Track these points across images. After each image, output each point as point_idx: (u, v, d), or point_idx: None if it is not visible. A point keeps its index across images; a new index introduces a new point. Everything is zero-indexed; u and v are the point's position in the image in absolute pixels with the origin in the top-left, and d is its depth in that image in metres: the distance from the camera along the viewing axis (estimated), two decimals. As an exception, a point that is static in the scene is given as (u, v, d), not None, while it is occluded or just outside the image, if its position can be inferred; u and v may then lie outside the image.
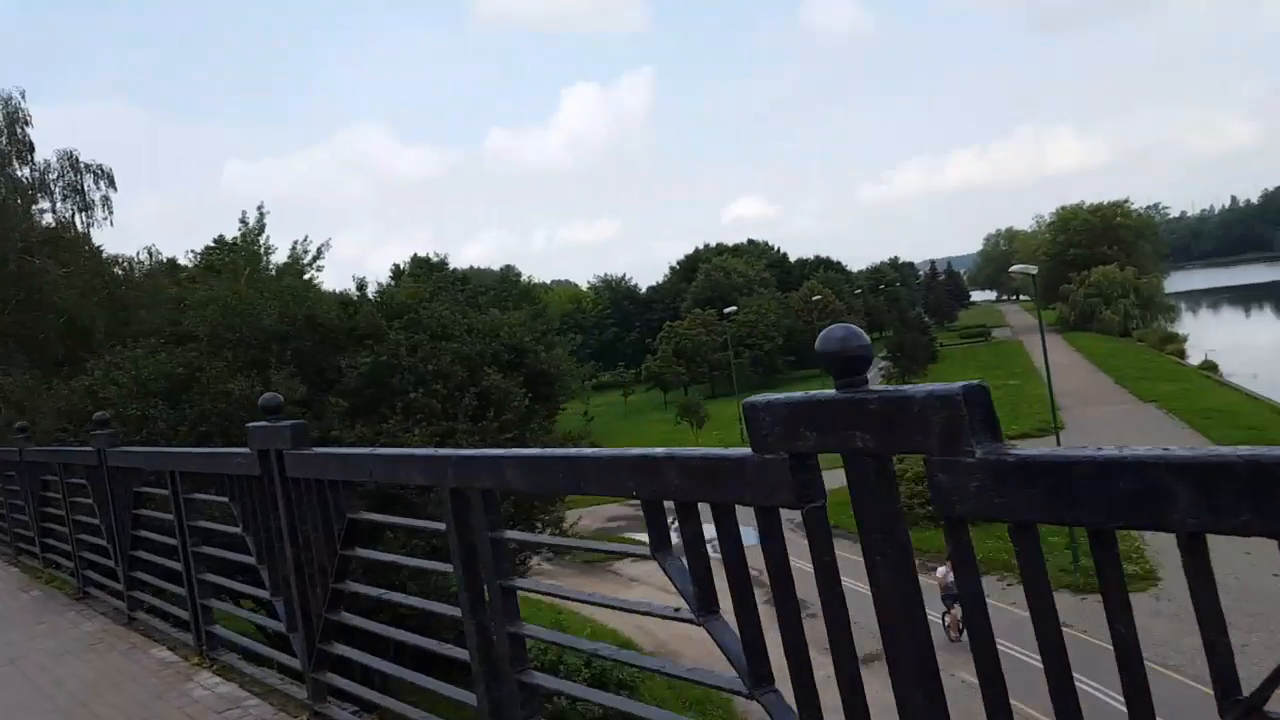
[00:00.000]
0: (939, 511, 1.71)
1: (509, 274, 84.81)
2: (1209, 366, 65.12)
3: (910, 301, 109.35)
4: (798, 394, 2.02)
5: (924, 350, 74.29)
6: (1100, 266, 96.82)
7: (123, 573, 6.41)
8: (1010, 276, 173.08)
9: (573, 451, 2.72)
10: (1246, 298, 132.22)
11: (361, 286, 43.35)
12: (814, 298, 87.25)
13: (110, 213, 34.27)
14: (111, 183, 33.66)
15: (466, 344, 20.48)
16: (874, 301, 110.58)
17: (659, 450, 2.41)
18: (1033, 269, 26.53)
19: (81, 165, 33.10)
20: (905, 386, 1.78)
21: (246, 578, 5.44)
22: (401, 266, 67.57)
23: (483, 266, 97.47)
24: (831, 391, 1.93)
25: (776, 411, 2.03)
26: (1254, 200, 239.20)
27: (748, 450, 2.13)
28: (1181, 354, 75.78)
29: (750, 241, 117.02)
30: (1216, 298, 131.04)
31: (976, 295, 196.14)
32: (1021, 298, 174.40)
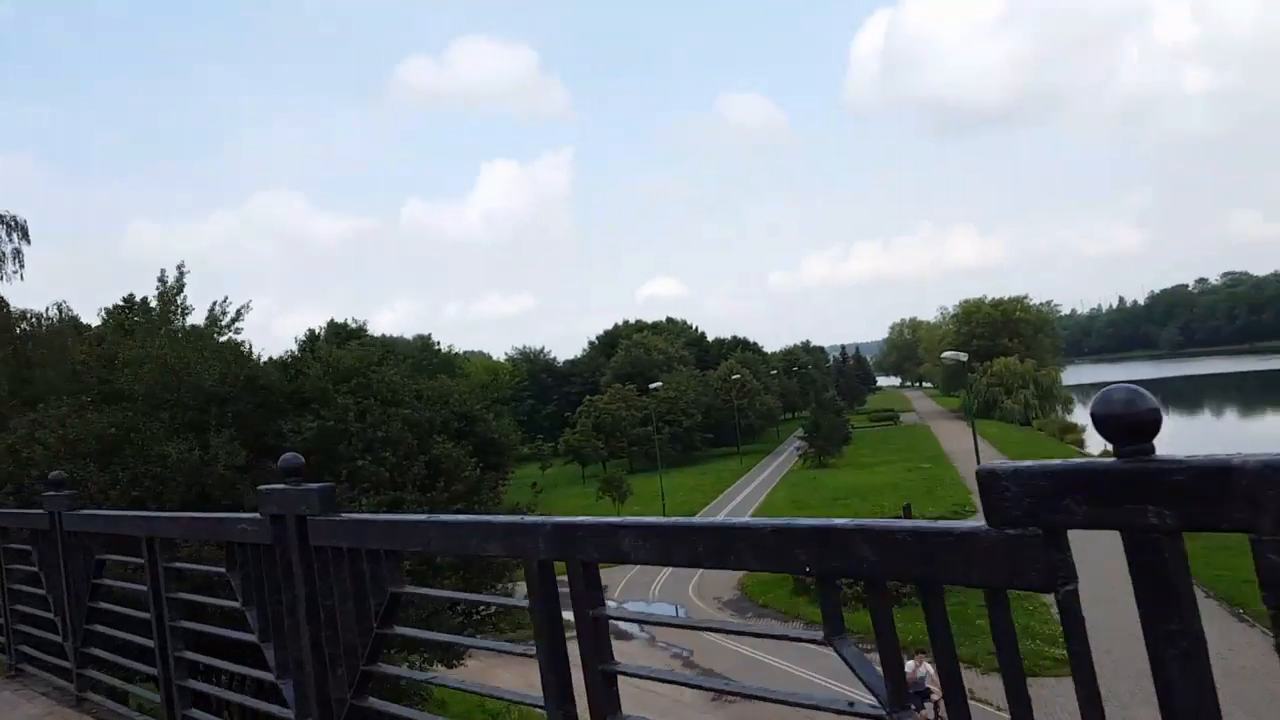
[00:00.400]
0: (1272, 599, 1.54)
1: (428, 343, 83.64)
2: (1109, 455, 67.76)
3: (824, 385, 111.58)
4: (1056, 461, 1.83)
5: (840, 432, 75.54)
6: (1002, 358, 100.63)
7: (73, 649, 5.78)
8: (914, 363, 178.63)
9: (724, 521, 2.49)
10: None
11: (309, 347, 42.19)
12: (733, 376, 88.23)
13: (21, 266, 32.69)
14: (25, 235, 32.16)
15: (416, 410, 19.92)
16: (788, 383, 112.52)
17: (844, 521, 2.19)
18: (963, 355, 27.20)
19: (-10, 217, 31.65)
20: (1225, 455, 1.62)
21: (235, 656, 4.93)
22: (317, 331, 66.04)
23: (395, 335, 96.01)
24: (1111, 460, 1.76)
25: (1029, 480, 1.83)
26: (1140, 301, 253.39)
27: (976, 523, 1.94)
28: (1081, 443, 78.70)
29: (669, 319, 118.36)
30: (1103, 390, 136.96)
31: (882, 380, 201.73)
32: (924, 385, 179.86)
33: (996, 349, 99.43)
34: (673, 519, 2.69)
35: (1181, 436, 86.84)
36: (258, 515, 4.15)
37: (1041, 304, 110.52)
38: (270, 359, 23.59)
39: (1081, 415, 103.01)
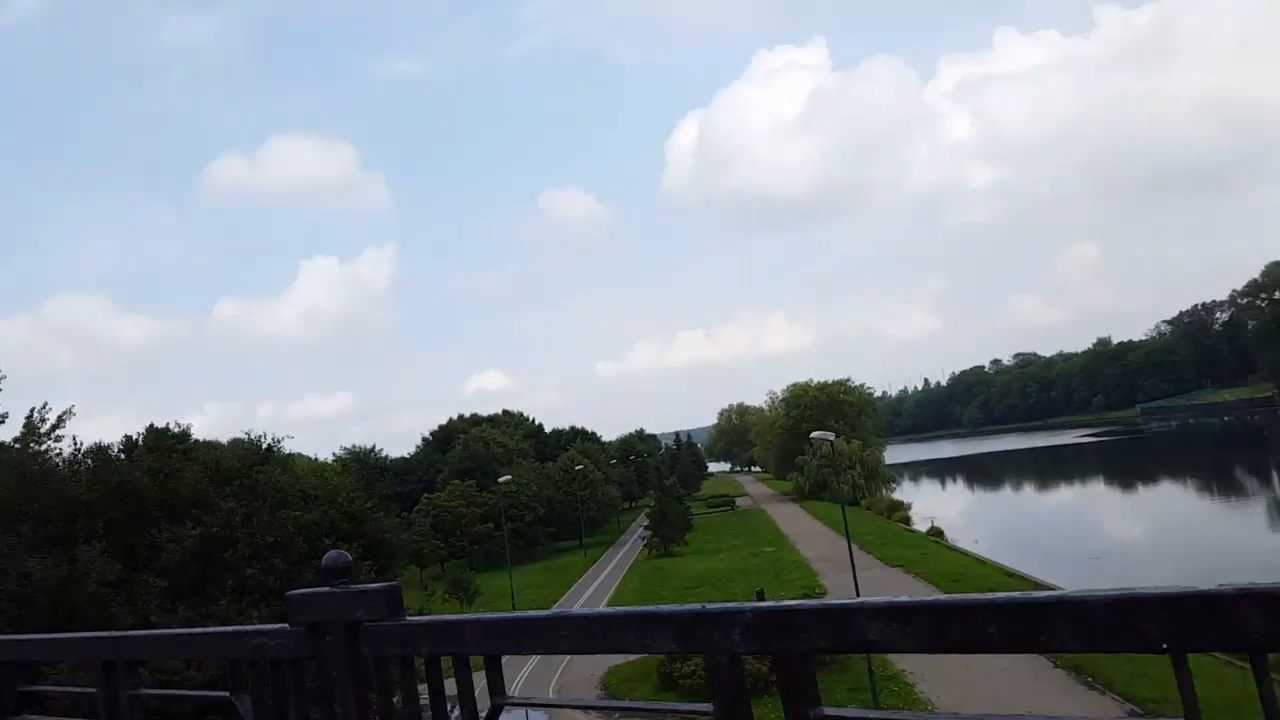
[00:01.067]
0: None
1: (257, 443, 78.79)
2: (936, 532, 71.06)
3: (664, 472, 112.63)
4: None
5: (683, 519, 75.98)
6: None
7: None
8: (743, 448, 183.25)
9: (1025, 597, 2.17)
10: (942, 470, 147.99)
11: (127, 454, 38.47)
12: (577, 467, 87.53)
13: None
14: None
15: (305, 512, 18.37)
16: (626, 472, 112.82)
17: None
18: (830, 435, 27.87)
19: None
20: None
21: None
22: (135, 437, 60.83)
23: (208, 438, 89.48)
24: None
25: None
26: (943, 382, 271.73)
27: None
28: (907, 520, 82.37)
29: (505, 412, 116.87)
30: (917, 470, 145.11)
31: (713, 466, 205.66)
32: (754, 469, 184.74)
33: (825, 430, 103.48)
34: (950, 598, 2.37)
35: (985, 509, 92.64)
36: (284, 626, 3.63)
37: (853, 387, 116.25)
38: (127, 462, 21.35)
39: (905, 493, 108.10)
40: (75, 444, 32.97)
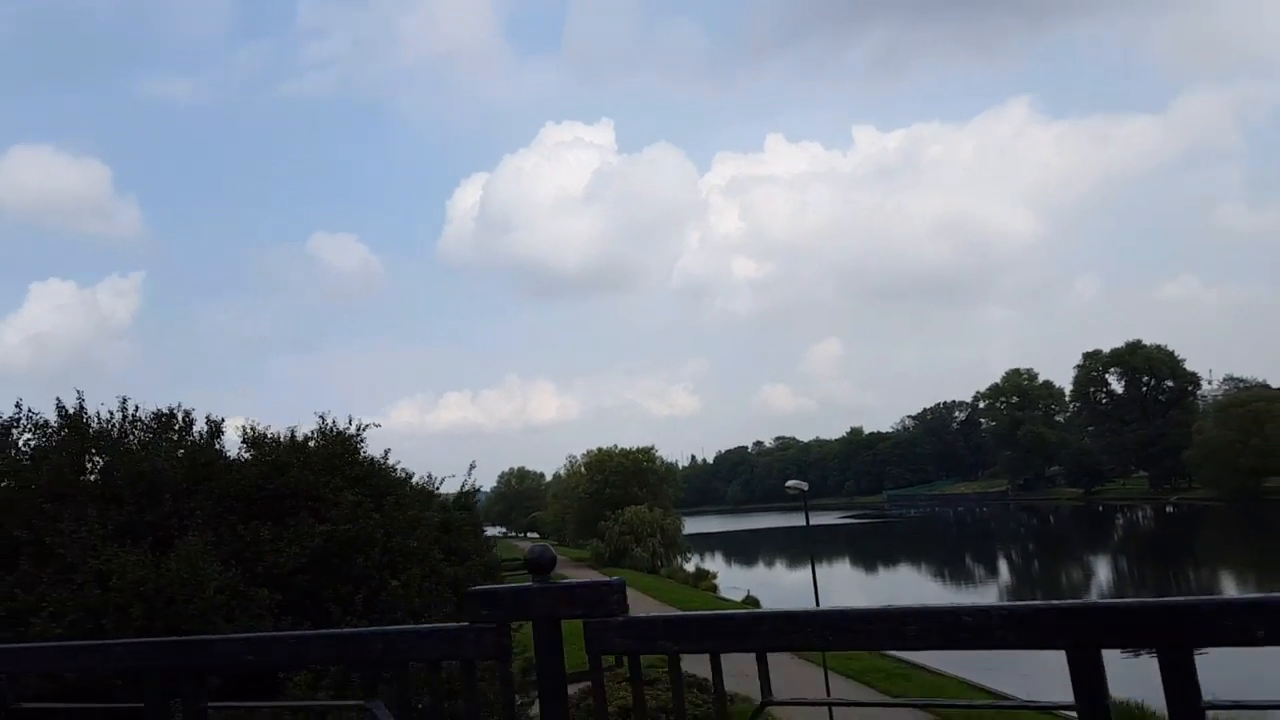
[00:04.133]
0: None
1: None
2: (753, 601, 71.04)
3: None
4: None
5: (493, 580, 71.75)
6: (632, 506, 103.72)
7: None
8: (522, 513, 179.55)
9: None
10: (721, 543, 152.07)
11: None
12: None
13: None
14: None
15: (431, 515, 14.58)
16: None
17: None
18: (804, 484, 26.23)
19: None
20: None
21: None
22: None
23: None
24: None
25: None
26: (709, 459, 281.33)
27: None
28: (715, 589, 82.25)
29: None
30: (698, 541, 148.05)
31: (490, 530, 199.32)
32: (531, 534, 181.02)
33: (628, 497, 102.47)
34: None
35: (769, 580, 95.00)
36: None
37: (657, 455, 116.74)
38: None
39: (695, 563, 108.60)
40: None
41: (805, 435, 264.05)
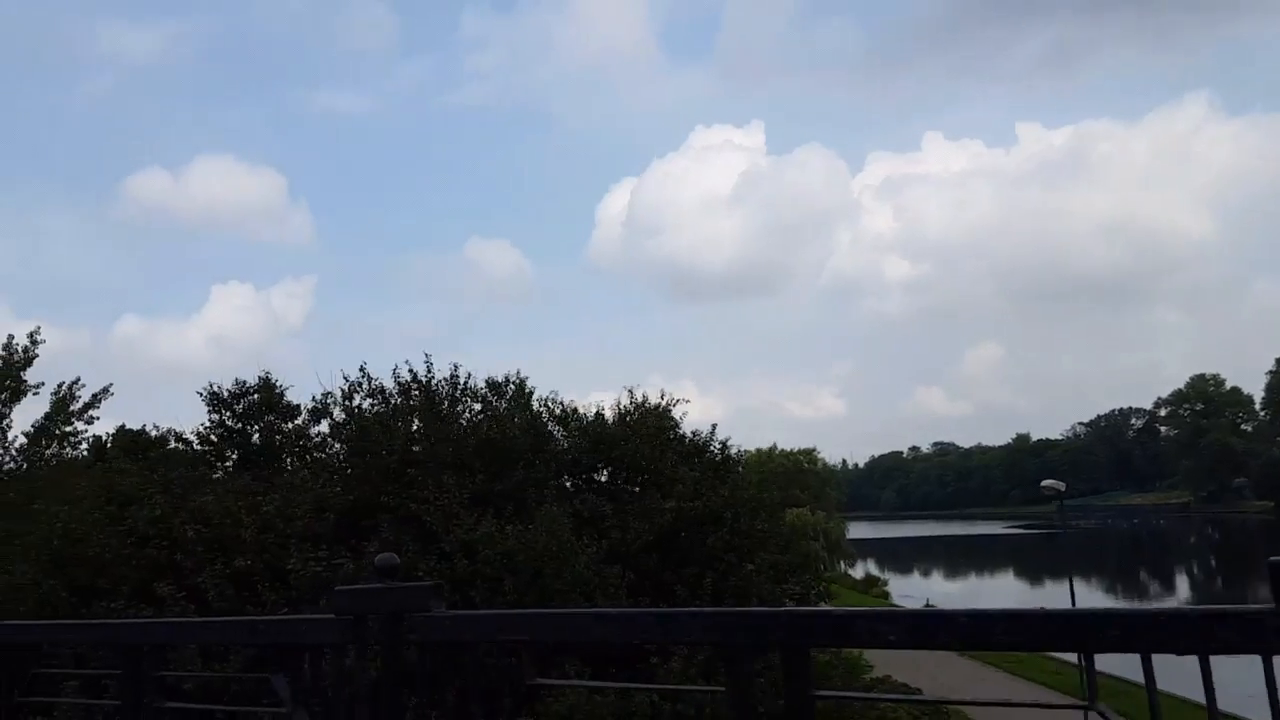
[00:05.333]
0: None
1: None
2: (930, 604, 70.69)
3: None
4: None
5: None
6: (794, 509, 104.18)
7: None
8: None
9: None
10: (882, 549, 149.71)
11: (99, 457, 34.64)
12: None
13: None
14: None
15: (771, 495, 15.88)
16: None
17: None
18: (1061, 484, 26.72)
19: None
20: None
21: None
22: (104, 439, 55.80)
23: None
24: None
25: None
26: (860, 464, 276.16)
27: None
28: (886, 596, 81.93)
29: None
30: (860, 548, 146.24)
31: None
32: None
33: (789, 499, 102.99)
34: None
35: (938, 590, 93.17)
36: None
37: (820, 457, 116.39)
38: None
39: (862, 570, 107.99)
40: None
41: (962, 441, 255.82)
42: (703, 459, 17.25)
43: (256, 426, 19.04)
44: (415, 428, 16.55)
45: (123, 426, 60.92)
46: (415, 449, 16.12)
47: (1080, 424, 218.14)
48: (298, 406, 19.15)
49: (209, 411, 19.97)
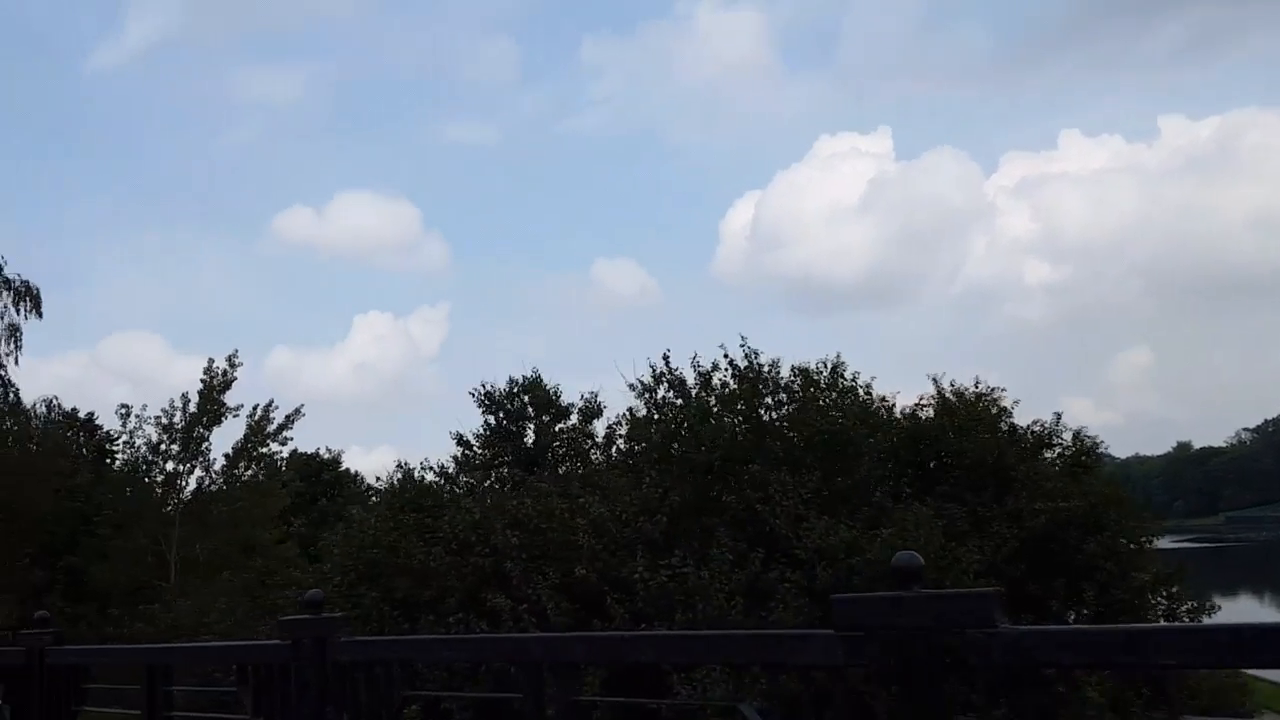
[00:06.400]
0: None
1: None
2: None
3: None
4: None
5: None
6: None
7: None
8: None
9: None
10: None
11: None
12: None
13: (18, 347, 26.24)
14: (36, 306, 25.90)
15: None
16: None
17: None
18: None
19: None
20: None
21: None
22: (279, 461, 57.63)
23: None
24: None
25: None
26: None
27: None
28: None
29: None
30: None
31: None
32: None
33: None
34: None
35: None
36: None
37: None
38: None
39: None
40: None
41: (1115, 451, 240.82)
42: (1049, 455, 15.61)
43: (530, 427, 18.22)
44: (737, 421, 15.29)
45: (295, 450, 62.87)
46: (741, 443, 14.92)
47: (1246, 430, 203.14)
48: (568, 407, 18.40)
49: (482, 413, 19.31)
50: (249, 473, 28.49)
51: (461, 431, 18.98)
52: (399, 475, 18.86)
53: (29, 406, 26.50)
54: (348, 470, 58.50)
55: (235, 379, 27.46)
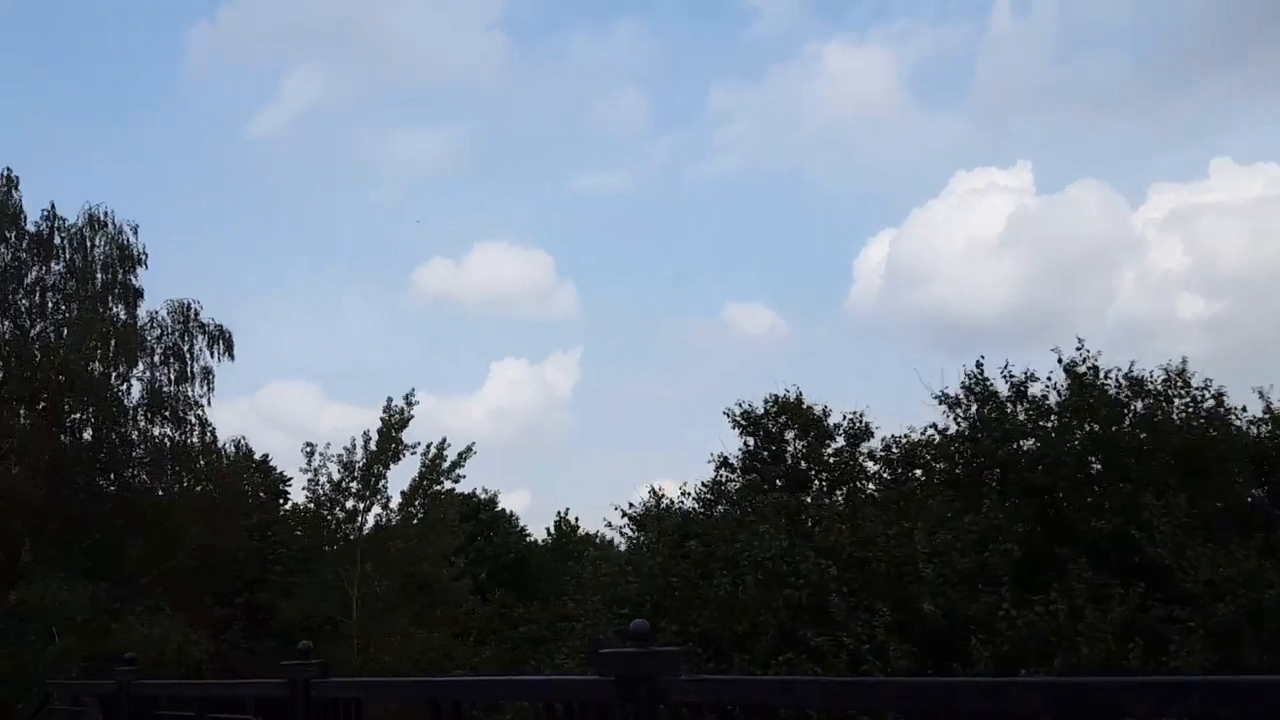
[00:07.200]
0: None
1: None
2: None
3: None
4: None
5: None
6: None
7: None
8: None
9: None
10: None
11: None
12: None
13: (211, 389, 27.16)
14: (229, 350, 26.88)
15: None
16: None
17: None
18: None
19: (196, 323, 26.48)
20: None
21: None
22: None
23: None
24: None
25: None
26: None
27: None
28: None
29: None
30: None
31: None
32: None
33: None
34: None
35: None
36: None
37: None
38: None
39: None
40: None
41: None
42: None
43: (789, 449, 17.15)
44: (1079, 436, 14.11)
45: (451, 489, 63.31)
46: (1091, 460, 13.74)
47: None
48: (834, 428, 17.14)
49: (739, 434, 18.11)
50: (422, 511, 28.62)
51: (725, 454, 17.60)
52: (651, 503, 17.81)
53: (221, 446, 27.26)
54: (503, 510, 58.51)
55: (412, 417, 27.72)
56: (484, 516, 53.89)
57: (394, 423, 27.37)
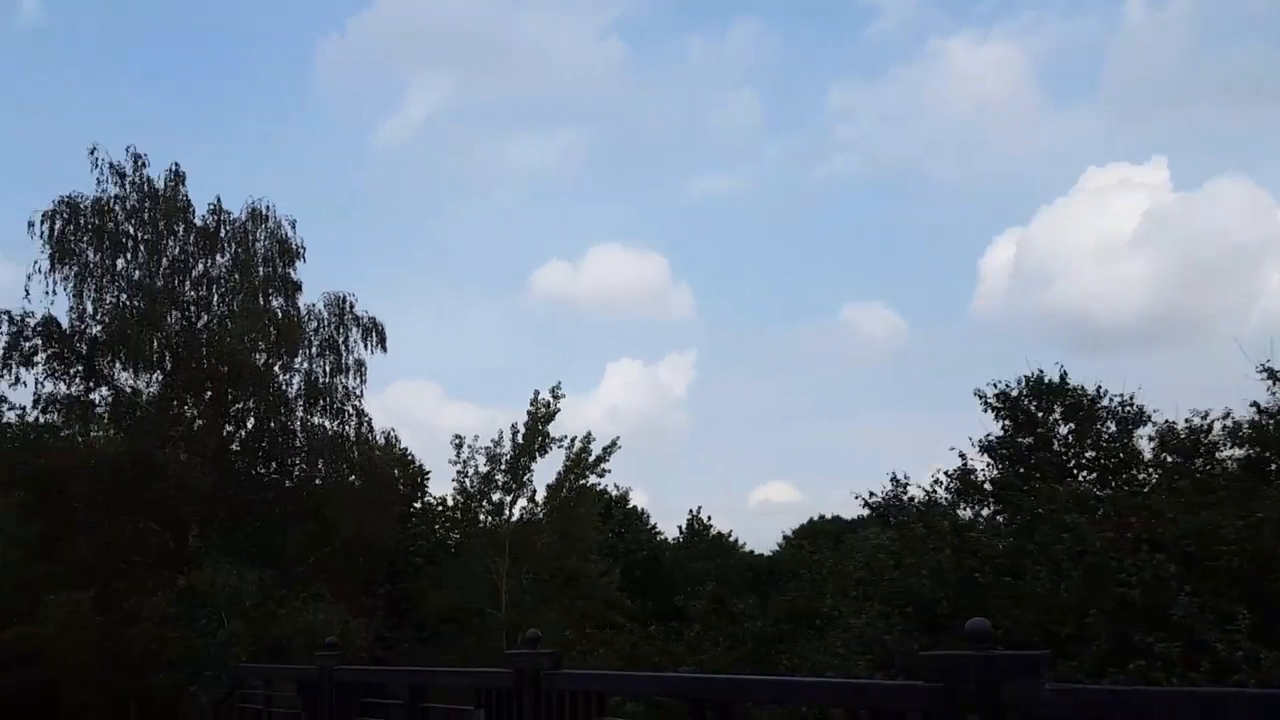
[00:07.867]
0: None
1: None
2: None
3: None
4: None
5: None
6: None
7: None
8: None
9: None
10: None
11: None
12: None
13: (363, 381, 27.63)
14: (381, 342, 27.36)
15: None
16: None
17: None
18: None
19: (351, 316, 27.06)
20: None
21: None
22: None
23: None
24: None
25: None
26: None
27: None
28: None
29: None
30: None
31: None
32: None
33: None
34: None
35: None
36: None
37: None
38: None
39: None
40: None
41: None
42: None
43: (1053, 434, 15.83)
44: None
45: (596, 484, 63.32)
46: None
47: None
48: (1102, 411, 15.62)
49: (995, 417, 16.83)
50: (570, 503, 28.38)
51: (985, 438, 16.16)
52: (891, 491, 16.92)
53: (374, 438, 27.66)
54: (634, 508, 58.07)
55: (559, 410, 27.47)
56: (616, 514, 53.78)
57: (541, 415, 27.23)
